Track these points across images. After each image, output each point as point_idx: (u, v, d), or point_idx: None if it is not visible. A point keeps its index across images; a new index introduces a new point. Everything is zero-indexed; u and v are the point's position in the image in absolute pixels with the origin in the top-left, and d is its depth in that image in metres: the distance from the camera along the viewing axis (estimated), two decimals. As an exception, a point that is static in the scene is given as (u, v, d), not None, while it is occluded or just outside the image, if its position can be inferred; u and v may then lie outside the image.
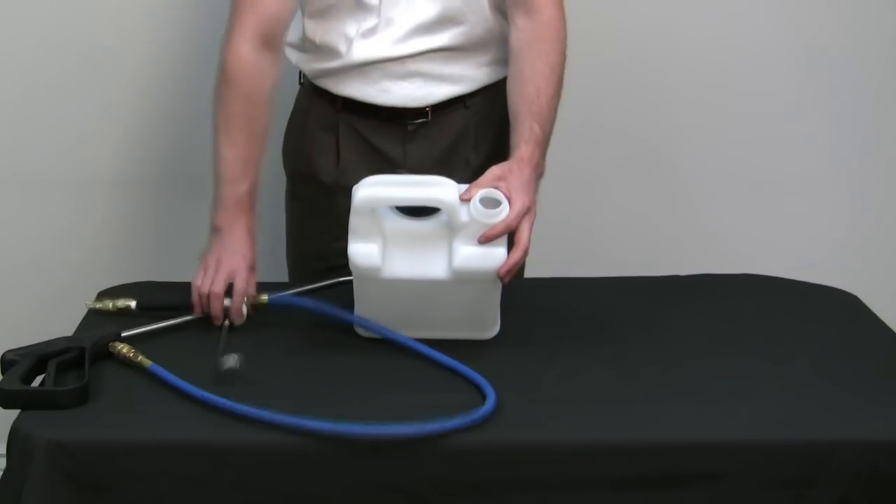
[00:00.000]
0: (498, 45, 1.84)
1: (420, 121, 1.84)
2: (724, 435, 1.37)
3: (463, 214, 1.51)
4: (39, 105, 2.29)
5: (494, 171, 1.59)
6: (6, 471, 1.33)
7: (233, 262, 1.65)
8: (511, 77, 1.76)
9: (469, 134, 1.87)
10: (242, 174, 1.72)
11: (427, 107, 1.84)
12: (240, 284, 1.63)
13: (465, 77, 1.84)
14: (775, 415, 1.41)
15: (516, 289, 1.68)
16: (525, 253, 1.55)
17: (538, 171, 1.66)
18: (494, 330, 1.61)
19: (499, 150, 1.76)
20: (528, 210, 1.56)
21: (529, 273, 1.84)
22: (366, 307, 1.59)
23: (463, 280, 1.52)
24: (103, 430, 1.36)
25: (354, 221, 1.54)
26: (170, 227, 2.39)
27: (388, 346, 1.58)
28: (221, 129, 1.74)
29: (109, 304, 1.66)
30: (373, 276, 1.53)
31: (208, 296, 1.62)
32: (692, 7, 2.34)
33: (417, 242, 1.54)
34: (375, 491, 1.33)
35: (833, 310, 1.76)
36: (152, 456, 1.33)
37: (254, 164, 1.74)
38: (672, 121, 2.39)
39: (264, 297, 1.64)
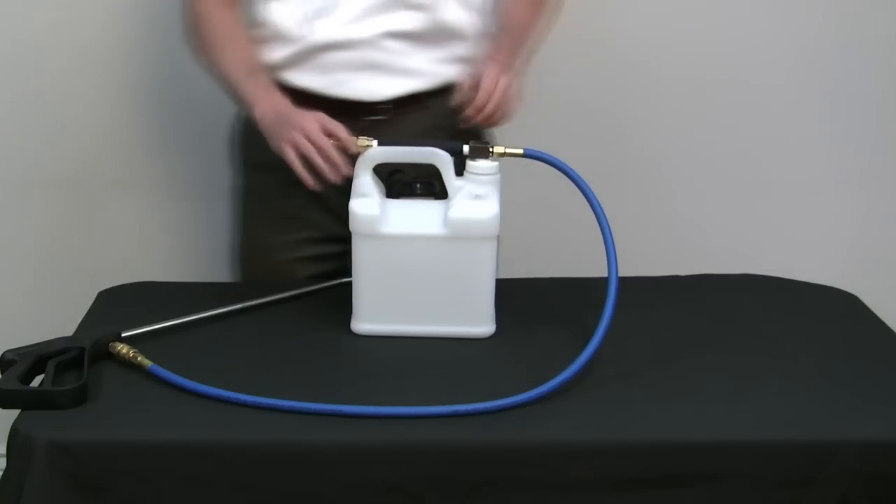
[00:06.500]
0: (460, 41, 1.83)
1: (377, 118, 1.79)
2: (724, 435, 1.37)
3: (456, 178, 1.60)
4: (40, 105, 2.29)
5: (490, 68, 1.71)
6: (6, 471, 1.33)
7: (308, 115, 1.64)
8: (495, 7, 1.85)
9: (428, 137, 1.81)
10: (259, 67, 1.76)
11: (384, 101, 1.80)
12: (333, 125, 1.62)
13: (423, 71, 1.81)
14: (775, 415, 1.41)
15: (516, 289, 1.68)
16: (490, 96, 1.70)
17: (510, 63, 1.76)
18: (490, 325, 1.62)
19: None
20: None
21: (530, 273, 1.84)
22: (364, 278, 1.60)
23: (458, 237, 1.57)
24: (103, 430, 1.36)
25: (357, 182, 1.60)
26: (170, 227, 2.39)
27: (387, 342, 1.59)
28: (218, 49, 1.77)
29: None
30: (372, 230, 1.57)
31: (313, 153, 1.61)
32: (692, 8, 2.34)
33: (415, 208, 1.61)
34: (375, 491, 1.33)
35: (833, 310, 1.76)
36: (152, 456, 1.33)
37: (261, 64, 1.77)
38: (672, 121, 2.39)
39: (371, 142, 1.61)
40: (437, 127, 1.82)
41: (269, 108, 1.68)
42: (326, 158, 1.60)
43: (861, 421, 1.39)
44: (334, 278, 1.85)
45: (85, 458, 1.32)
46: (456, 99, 1.74)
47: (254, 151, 1.89)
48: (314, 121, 1.62)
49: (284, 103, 1.69)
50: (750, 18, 2.34)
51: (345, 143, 1.61)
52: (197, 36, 1.80)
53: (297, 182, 1.81)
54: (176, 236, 2.39)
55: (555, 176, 1.60)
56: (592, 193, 1.57)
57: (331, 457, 1.34)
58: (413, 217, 1.60)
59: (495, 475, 1.34)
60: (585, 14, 2.32)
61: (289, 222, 1.88)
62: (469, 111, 1.72)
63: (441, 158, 1.59)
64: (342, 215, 1.86)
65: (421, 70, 1.81)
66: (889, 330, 1.67)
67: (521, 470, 1.34)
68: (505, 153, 1.60)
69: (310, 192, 1.83)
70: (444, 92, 1.82)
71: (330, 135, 1.61)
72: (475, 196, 1.58)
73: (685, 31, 2.34)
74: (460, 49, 1.83)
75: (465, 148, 1.60)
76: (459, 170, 1.61)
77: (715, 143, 2.41)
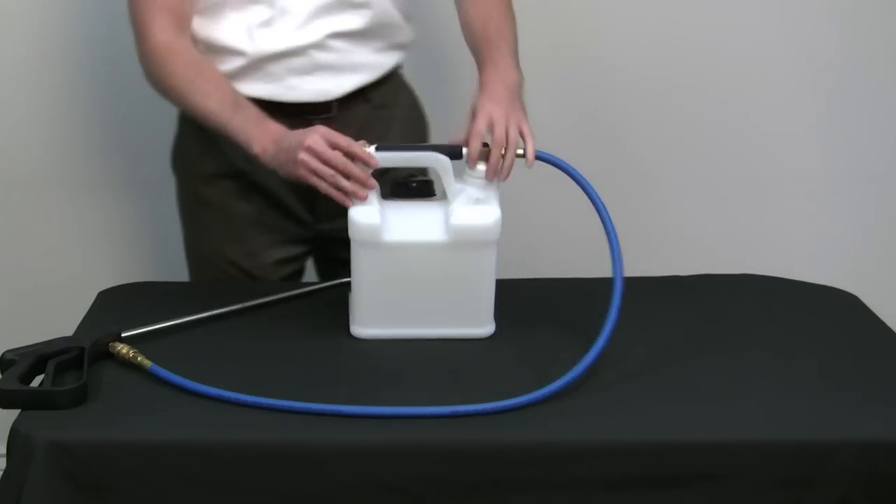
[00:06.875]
0: (394, 29, 1.84)
1: (324, 115, 1.77)
2: (724, 435, 1.37)
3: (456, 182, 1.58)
4: (40, 105, 2.29)
5: (482, 108, 1.61)
6: (6, 471, 1.33)
7: (308, 132, 1.56)
8: (462, 23, 1.81)
9: (371, 129, 1.82)
10: (241, 101, 1.69)
11: (332, 100, 1.80)
12: (339, 139, 1.55)
13: (366, 64, 1.82)
14: (775, 415, 1.41)
15: (517, 289, 1.68)
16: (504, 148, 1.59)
17: (514, 84, 1.68)
18: (490, 326, 1.62)
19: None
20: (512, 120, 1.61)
21: (529, 273, 1.84)
22: (364, 285, 1.59)
23: (460, 243, 1.56)
24: (103, 430, 1.36)
25: None
26: (170, 227, 2.38)
27: (387, 343, 1.59)
28: (190, 88, 1.70)
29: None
30: (372, 238, 1.55)
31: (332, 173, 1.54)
32: (691, 9, 2.34)
33: (416, 214, 1.59)
34: (375, 491, 1.33)
35: (833, 310, 1.76)
36: (152, 456, 1.33)
37: (240, 95, 1.70)
38: (672, 121, 2.39)
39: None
40: (378, 117, 1.86)
41: (268, 142, 1.62)
42: (347, 175, 1.55)
43: (861, 421, 1.39)
44: (300, 279, 1.85)
45: (85, 458, 1.32)
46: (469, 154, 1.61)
47: (203, 163, 1.88)
48: (318, 136, 1.56)
49: (279, 130, 1.63)
50: (752, 19, 2.34)
51: (359, 156, 1.55)
52: (160, 68, 1.72)
53: (250, 188, 1.81)
54: (176, 237, 2.38)
55: (555, 175, 1.60)
56: (595, 192, 1.56)
57: (331, 457, 1.34)
58: (413, 224, 1.58)
59: (495, 475, 1.34)
60: (586, 15, 2.33)
61: (247, 229, 1.87)
62: (491, 172, 1.59)
63: (441, 163, 1.58)
64: (300, 216, 1.86)
65: (365, 63, 1.83)
66: (889, 330, 1.67)
67: (522, 470, 1.34)
68: None
69: (264, 196, 1.83)
70: (382, 84, 1.86)
71: (336, 147, 1.55)
72: (475, 200, 1.57)
73: (686, 31, 2.34)
74: (397, 37, 1.85)
75: (465, 151, 1.60)
76: None
77: (715, 143, 2.41)
